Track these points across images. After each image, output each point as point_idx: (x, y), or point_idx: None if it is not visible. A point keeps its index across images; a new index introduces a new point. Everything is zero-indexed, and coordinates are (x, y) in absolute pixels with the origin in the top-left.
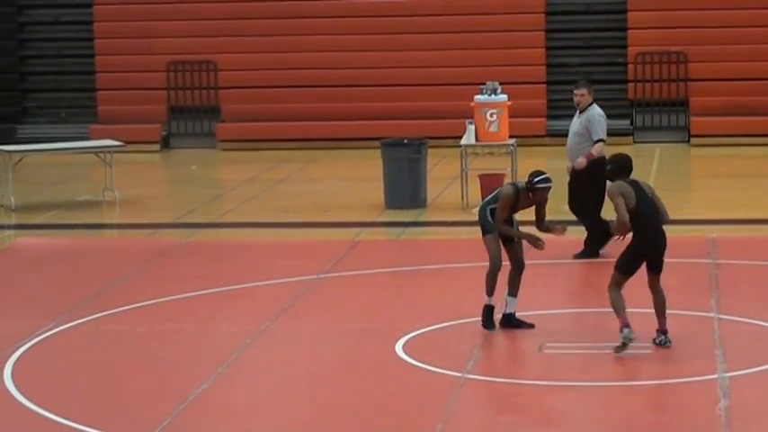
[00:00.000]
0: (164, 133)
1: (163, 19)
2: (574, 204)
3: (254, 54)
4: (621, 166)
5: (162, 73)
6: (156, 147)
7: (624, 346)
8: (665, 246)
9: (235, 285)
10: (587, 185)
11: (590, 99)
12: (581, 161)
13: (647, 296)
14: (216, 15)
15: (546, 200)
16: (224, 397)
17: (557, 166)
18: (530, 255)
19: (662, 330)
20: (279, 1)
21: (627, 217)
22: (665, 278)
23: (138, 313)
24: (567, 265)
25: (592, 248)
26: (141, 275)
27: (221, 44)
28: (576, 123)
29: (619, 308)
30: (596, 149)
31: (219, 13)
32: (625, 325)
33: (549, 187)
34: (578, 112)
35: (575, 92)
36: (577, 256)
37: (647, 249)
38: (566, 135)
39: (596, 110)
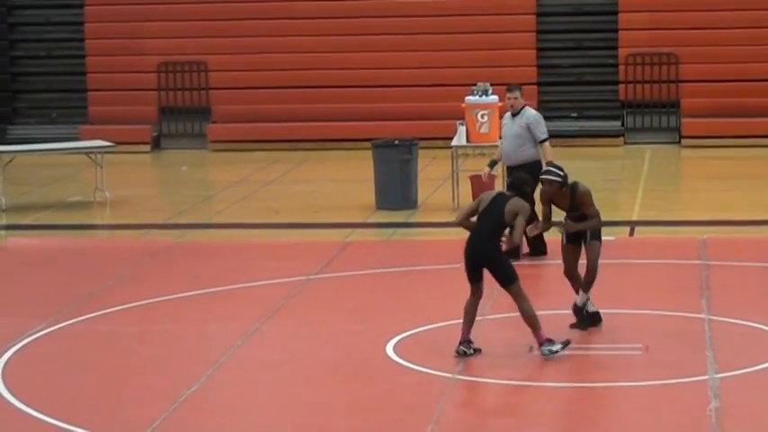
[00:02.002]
0: (154, 134)
1: (153, 20)
2: None
3: (245, 55)
4: (513, 182)
5: (153, 74)
6: (147, 147)
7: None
8: (476, 258)
9: (226, 286)
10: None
11: (522, 102)
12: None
13: (629, 298)
14: (207, 16)
15: (551, 193)
16: (215, 398)
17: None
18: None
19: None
20: (270, 2)
21: (460, 216)
22: (657, 279)
23: (129, 314)
24: (559, 265)
25: (535, 248)
26: (132, 276)
27: (212, 45)
28: (511, 127)
29: (533, 322)
30: (548, 152)
31: (210, 14)
32: (544, 339)
33: (549, 180)
34: (511, 115)
35: (508, 95)
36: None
37: (464, 255)
38: (557, 136)
39: (531, 111)
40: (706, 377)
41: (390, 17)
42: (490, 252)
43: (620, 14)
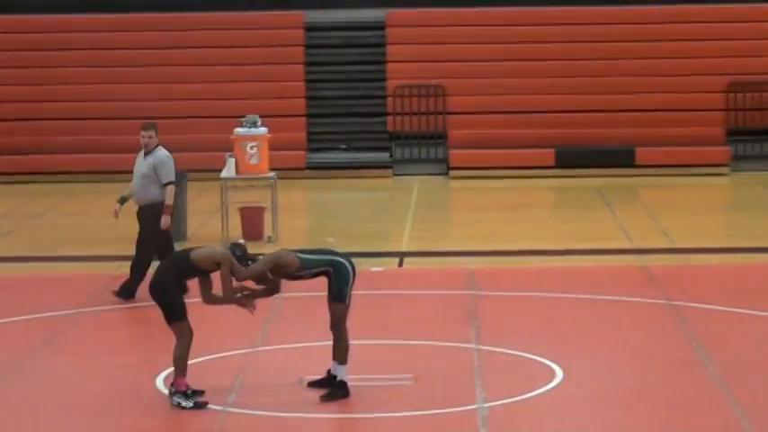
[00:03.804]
0: None
1: None
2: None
3: (11, 86)
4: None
5: None
6: None
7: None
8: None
9: None
10: (156, 228)
11: (156, 141)
12: (167, 221)
13: (398, 329)
14: None
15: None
16: None
17: (316, 198)
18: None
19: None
20: (46, 33)
21: None
22: (426, 310)
23: None
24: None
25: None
26: None
27: None
28: (142, 165)
29: (179, 366)
30: (169, 196)
31: None
32: (182, 389)
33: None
34: (144, 153)
35: (142, 133)
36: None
37: None
38: (326, 167)
39: (163, 152)
40: (475, 406)
41: (158, 49)
42: (156, 290)
43: (387, 47)
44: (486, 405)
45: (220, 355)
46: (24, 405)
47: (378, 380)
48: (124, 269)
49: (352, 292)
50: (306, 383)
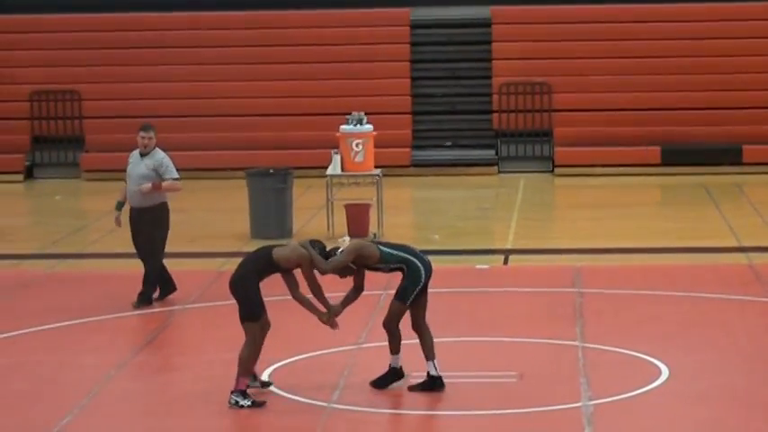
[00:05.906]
0: (27, 163)
1: (25, 48)
2: (141, 247)
3: (118, 84)
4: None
5: (25, 103)
6: (20, 177)
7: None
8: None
9: (100, 316)
10: (160, 228)
11: (155, 142)
12: (147, 186)
13: (503, 326)
14: (78, 45)
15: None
16: (87, 429)
17: (421, 195)
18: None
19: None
20: (141, 31)
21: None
22: (531, 307)
23: (1, 345)
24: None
25: (150, 293)
26: (3, 307)
27: (85, 74)
28: (140, 166)
29: (243, 366)
30: (170, 184)
31: (82, 43)
32: (242, 388)
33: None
34: (140, 155)
35: (142, 134)
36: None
37: None
38: (431, 165)
39: (161, 152)
40: (580, 404)
41: (264, 46)
42: (237, 286)
43: (493, 44)
44: (591, 403)
45: (325, 351)
46: (131, 399)
47: (483, 377)
48: (229, 266)
49: (431, 291)
50: (407, 387)
